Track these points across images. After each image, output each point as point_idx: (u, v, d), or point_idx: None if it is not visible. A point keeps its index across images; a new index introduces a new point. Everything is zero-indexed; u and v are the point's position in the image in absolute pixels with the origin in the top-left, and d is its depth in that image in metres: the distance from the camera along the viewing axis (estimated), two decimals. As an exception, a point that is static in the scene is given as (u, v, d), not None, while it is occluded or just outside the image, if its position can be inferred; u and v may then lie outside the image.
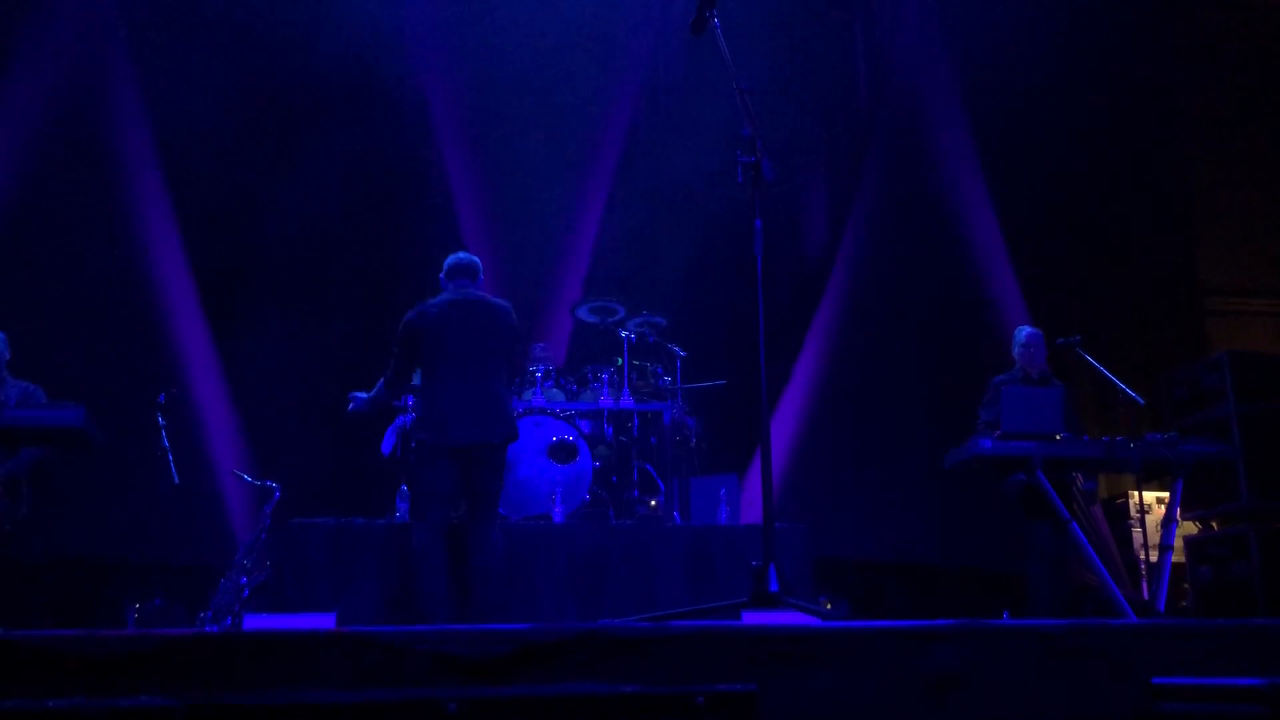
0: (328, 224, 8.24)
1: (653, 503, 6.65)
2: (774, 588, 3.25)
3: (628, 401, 6.80)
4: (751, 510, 7.20)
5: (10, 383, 5.81)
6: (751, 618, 3.01)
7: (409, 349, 5.16)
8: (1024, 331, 6.29)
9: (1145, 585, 7.09)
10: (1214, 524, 7.20)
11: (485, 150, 8.86)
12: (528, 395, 6.65)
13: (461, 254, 5.39)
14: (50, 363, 6.35)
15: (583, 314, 7.32)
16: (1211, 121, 9.90)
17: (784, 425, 8.69)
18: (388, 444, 6.38)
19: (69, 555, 6.97)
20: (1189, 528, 7.31)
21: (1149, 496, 7.23)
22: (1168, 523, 5.56)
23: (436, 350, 5.09)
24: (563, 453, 6.38)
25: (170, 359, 7.88)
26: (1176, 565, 6.61)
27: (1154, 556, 6.51)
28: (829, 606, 6.31)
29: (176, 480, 6.07)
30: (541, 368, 6.86)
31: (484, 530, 5.12)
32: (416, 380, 5.40)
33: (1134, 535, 7.47)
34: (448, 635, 1.98)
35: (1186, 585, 7.20)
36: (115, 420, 5.32)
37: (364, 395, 5.45)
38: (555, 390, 6.86)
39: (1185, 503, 6.21)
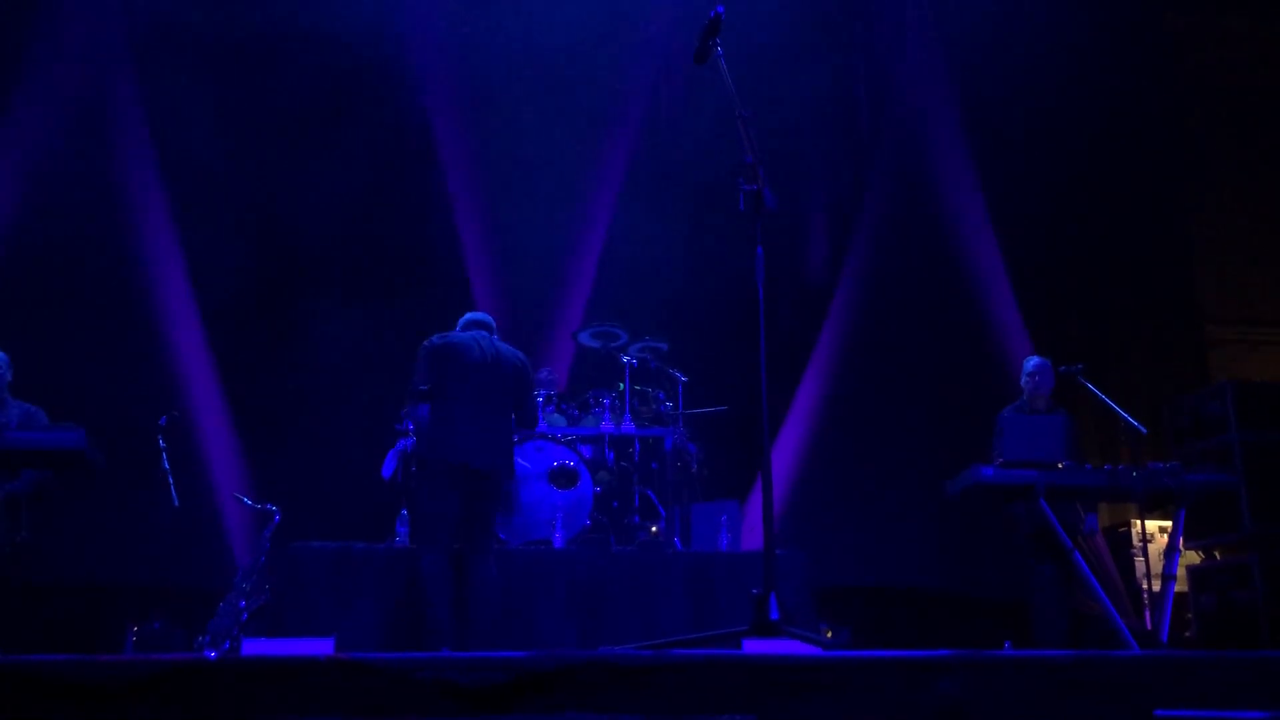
0: (329, 248, 8.27)
1: (654, 529, 6.63)
2: (775, 616, 3.23)
3: (629, 427, 6.79)
4: (753, 537, 7.17)
5: (12, 404, 5.80)
6: (752, 646, 2.99)
7: (430, 367, 5.16)
8: (1031, 361, 6.38)
9: (1148, 615, 7.04)
10: (1217, 553, 7.17)
11: (488, 175, 8.89)
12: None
13: (476, 312, 5.55)
14: (52, 385, 6.35)
15: (584, 339, 7.33)
16: (1214, 150, 9.92)
17: (785, 452, 8.66)
18: (388, 468, 6.36)
19: (68, 578, 6.94)
20: (1192, 557, 7.27)
21: (1151, 525, 7.20)
22: (1170, 552, 5.55)
23: (454, 374, 5.13)
24: (563, 478, 6.37)
25: (172, 382, 7.88)
26: (1179, 595, 6.58)
27: (1157, 586, 6.48)
28: (830, 635, 6.28)
29: (177, 503, 6.06)
30: (543, 393, 6.86)
31: (480, 558, 5.14)
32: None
33: (1136, 564, 7.43)
34: (447, 662, 1.97)
35: (1190, 615, 7.16)
36: (116, 443, 5.32)
37: (392, 454, 5.47)
38: (556, 415, 6.86)
39: (1188, 532, 6.19)
